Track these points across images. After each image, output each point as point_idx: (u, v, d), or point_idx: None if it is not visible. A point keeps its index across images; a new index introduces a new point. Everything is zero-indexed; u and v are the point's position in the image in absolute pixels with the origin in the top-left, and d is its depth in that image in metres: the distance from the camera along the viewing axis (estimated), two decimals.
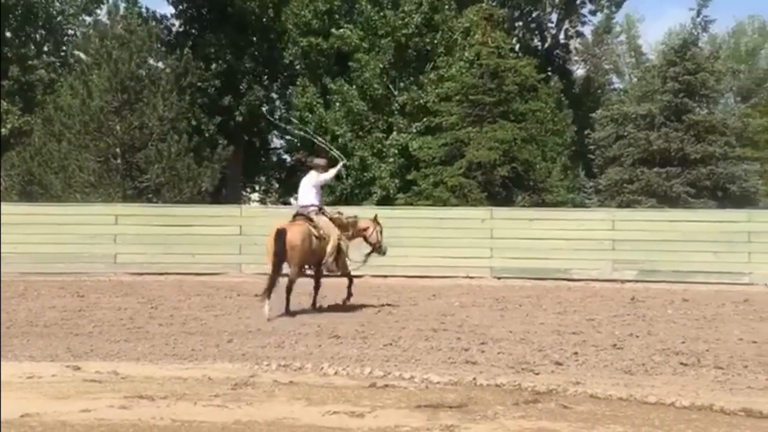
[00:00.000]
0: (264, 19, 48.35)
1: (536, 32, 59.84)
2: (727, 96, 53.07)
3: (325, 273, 17.70)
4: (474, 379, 9.86)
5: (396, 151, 39.76)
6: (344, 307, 17.49)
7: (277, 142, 55.47)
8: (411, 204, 33.84)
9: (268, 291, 16.27)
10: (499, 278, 25.75)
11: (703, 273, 25.21)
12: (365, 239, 18.34)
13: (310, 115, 42.32)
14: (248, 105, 46.81)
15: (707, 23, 43.29)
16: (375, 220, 18.60)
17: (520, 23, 58.55)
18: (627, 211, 30.78)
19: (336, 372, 10.30)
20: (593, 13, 59.96)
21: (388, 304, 18.15)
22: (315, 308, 17.43)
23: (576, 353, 12.17)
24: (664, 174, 34.54)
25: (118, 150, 32.99)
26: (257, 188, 59.08)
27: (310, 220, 17.23)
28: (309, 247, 16.86)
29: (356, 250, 18.33)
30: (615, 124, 38.29)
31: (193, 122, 40.89)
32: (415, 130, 39.75)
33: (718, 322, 16.41)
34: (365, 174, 39.87)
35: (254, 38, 49.19)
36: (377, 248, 18.33)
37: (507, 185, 34.60)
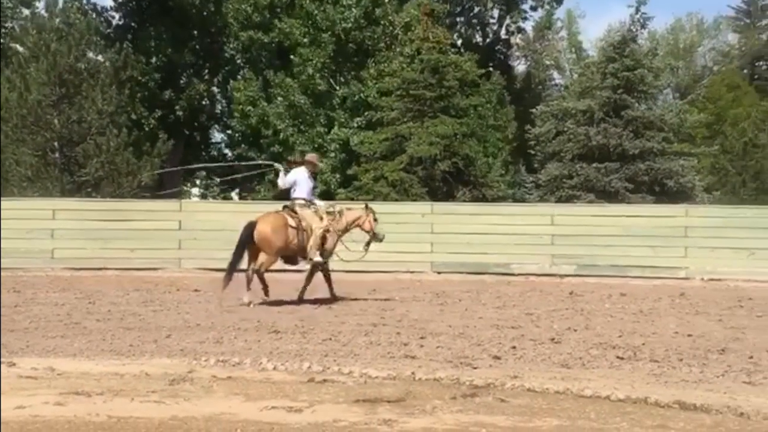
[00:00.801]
0: (204, 13, 48.12)
1: (477, 28, 60.13)
2: (665, 92, 53.64)
3: (307, 265, 18.16)
4: (413, 373, 9.88)
5: (337, 146, 39.76)
6: (289, 302, 17.56)
7: (218, 136, 55.27)
8: (352, 199, 33.77)
9: (225, 283, 17.03)
10: (439, 273, 25.87)
11: (641, 267, 25.55)
12: (361, 228, 18.61)
13: (252, 109, 42.21)
14: (189, 99, 46.53)
15: (646, 20, 43.66)
16: (366, 208, 18.97)
17: (461, 19, 58.81)
18: (566, 206, 31.05)
19: (275, 367, 10.26)
20: (534, 9, 60.41)
21: (328, 299, 18.12)
22: (334, 298, 18.15)
23: (514, 347, 12.23)
24: (602, 169, 34.84)
25: (56, 144, 32.61)
26: (198, 183, 58.73)
27: (293, 212, 17.70)
28: (284, 236, 17.39)
29: (354, 243, 18.73)
30: (555, 119, 38.54)
31: (133, 116, 40.53)
32: (356, 125, 39.77)
33: (655, 316, 16.61)
34: None
35: (195, 32, 48.92)
36: (374, 235, 18.59)
37: (448, 180, 34.74)
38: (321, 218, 17.88)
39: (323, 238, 17.81)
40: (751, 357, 11.70)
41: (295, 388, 9.12)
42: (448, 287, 22.10)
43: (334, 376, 9.71)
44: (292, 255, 17.94)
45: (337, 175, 39.20)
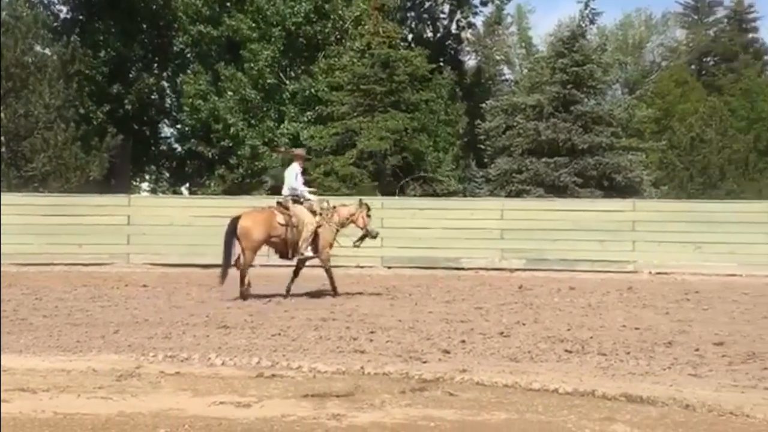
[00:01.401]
0: (153, 6, 47.58)
1: (428, 23, 60.07)
2: (614, 87, 53.99)
3: (299, 259, 18.41)
4: (362, 367, 9.89)
5: (287, 141, 39.61)
6: (241, 296, 17.48)
7: (167, 130, 54.79)
8: None
9: (222, 278, 17.49)
10: (389, 267, 25.91)
11: (589, 261, 25.78)
12: (355, 224, 18.88)
13: (202, 103, 41.91)
14: (138, 93, 46.10)
15: (595, 16, 44.02)
16: (360, 204, 19.22)
17: (412, 14, 58.72)
18: (515, 200, 31.16)
19: (223, 362, 10.24)
20: (484, 4, 60.32)
21: (278, 294, 18.07)
22: (287, 294, 17.95)
23: (463, 341, 12.29)
24: (552, 164, 34.95)
25: (2, 138, 32.28)
26: (147, 178, 58.26)
27: (286, 208, 17.97)
28: (266, 233, 17.68)
29: (346, 238, 18.92)
30: (505, 114, 38.62)
31: (81, 110, 40.09)
32: (306, 120, 39.71)
33: (603, 309, 16.74)
34: (257, 163, 39.66)
35: (144, 25, 48.42)
36: (367, 232, 18.92)
37: (398, 175, 34.77)
38: (314, 213, 18.00)
39: (315, 234, 17.88)
40: (697, 350, 11.84)
41: (244, 383, 9.10)
42: (398, 282, 22.15)
43: (283, 371, 9.70)
44: (283, 250, 18.15)
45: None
